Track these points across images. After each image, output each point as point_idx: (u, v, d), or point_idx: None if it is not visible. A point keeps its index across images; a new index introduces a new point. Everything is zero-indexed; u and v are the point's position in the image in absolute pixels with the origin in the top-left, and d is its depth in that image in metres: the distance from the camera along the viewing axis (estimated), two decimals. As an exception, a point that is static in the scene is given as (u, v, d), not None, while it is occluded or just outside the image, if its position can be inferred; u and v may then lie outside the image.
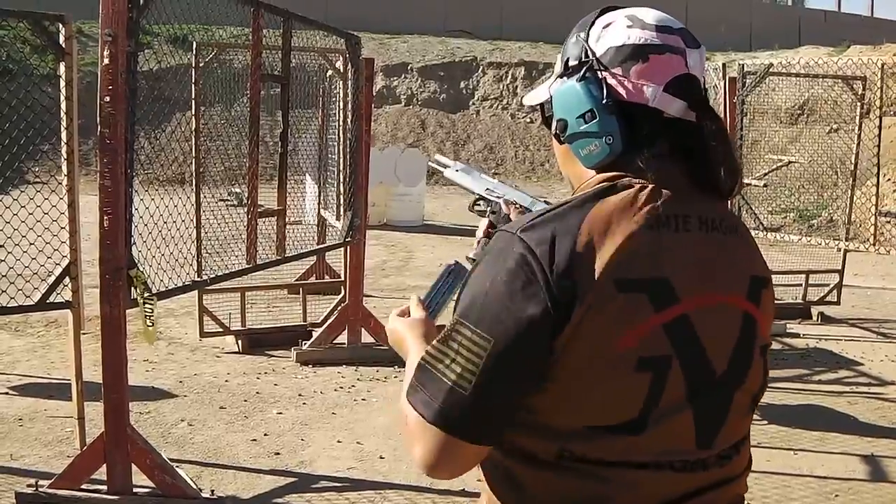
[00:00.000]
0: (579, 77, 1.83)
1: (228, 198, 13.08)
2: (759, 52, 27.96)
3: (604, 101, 1.79)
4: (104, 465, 4.97)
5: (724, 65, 9.84)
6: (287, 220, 6.88)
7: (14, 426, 6.46)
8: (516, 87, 28.69)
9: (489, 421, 1.70)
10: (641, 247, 1.69)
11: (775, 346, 9.24)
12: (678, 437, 1.72)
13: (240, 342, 8.66)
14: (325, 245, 9.35)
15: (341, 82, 8.78)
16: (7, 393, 7.23)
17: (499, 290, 1.68)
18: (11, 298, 5.70)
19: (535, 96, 2.04)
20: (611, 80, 1.81)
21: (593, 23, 1.89)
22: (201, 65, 8.43)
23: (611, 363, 1.66)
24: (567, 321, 1.64)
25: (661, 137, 1.80)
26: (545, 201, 2.26)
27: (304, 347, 8.35)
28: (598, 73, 1.82)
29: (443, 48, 29.98)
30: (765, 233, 9.64)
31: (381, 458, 5.98)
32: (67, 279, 5.74)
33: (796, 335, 9.77)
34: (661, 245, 1.72)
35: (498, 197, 2.37)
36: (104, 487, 4.98)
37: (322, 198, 10.15)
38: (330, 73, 9.53)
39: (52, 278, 5.71)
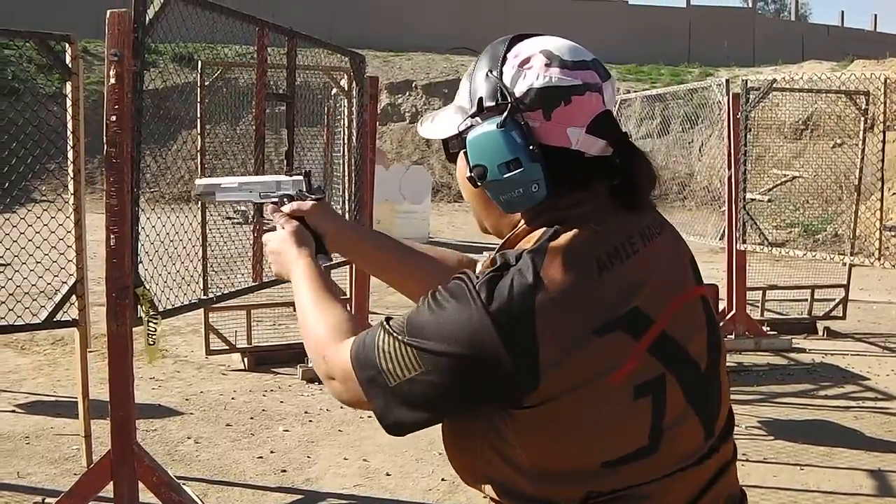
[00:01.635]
0: (500, 123, 1.76)
1: (234, 216, 13.11)
2: (762, 67, 28.02)
3: (529, 149, 1.74)
4: (111, 483, 4.97)
5: (727, 80, 9.87)
6: (293, 237, 6.87)
7: (21, 444, 6.47)
8: (520, 103, 28.78)
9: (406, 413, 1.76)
10: (604, 289, 1.70)
11: (781, 361, 9.25)
12: (690, 441, 1.78)
13: (246, 360, 8.67)
14: (331, 262, 9.36)
15: (346, 100, 8.81)
16: (14, 411, 7.25)
17: (456, 351, 1.67)
18: (18, 317, 5.71)
19: (436, 130, 1.96)
20: (533, 124, 1.76)
21: (504, 57, 1.81)
22: (206, 83, 8.48)
23: (608, 400, 1.67)
24: (536, 380, 1.63)
25: (583, 176, 1.79)
26: (299, 174, 2.37)
27: (310, 365, 8.35)
28: (519, 117, 1.76)
29: (447, 65, 30.03)
30: (770, 248, 9.64)
31: (388, 475, 5.98)
32: (74, 297, 5.75)
33: (802, 350, 9.76)
34: (621, 278, 1.72)
35: (264, 198, 2.36)
36: (111, 505, 5.00)
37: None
38: (335, 91, 9.57)
39: (59, 296, 5.72)
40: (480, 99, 1.81)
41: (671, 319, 1.76)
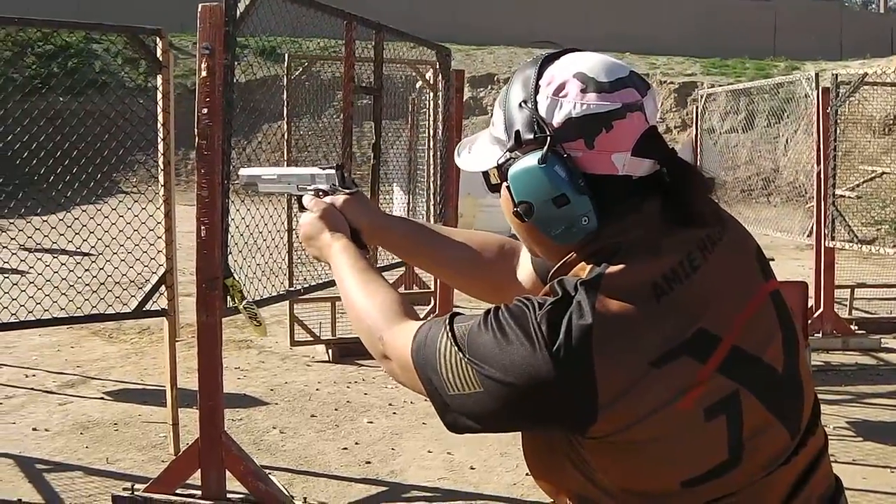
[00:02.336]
0: (541, 158, 1.68)
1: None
2: (850, 61, 27.50)
3: (574, 184, 1.67)
4: (198, 471, 5.04)
5: (816, 74, 9.71)
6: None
7: (110, 430, 6.58)
8: (603, 97, 28.58)
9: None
10: (663, 318, 1.63)
11: (870, 361, 9.09)
12: (775, 446, 1.71)
13: (330, 351, 8.72)
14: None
15: (431, 93, 8.82)
16: (102, 398, 7.37)
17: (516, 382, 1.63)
18: (109, 306, 5.81)
19: (474, 163, 1.89)
20: (575, 154, 1.68)
21: (537, 85, 1.73)
22: (292, 77, 8.53)
23: (679, 425, 1.62)
24: (595, 416, 1.59)
25: (634, 198, 1.71)
26: (331, 168, 2.34)
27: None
28: (560, 149, 1.68)
29: (529, 59, 29.92)
30: (859, 245, 9.46)
31: (472, 468, 5.97)
32: (163, 287, 5.83)
33: (892, 350, 9.55)
34: (682, 302, 1.65)
35: (301, 190, 2.35)
36: (198, 493, 5.04)
37: (411, 208, 10.19)
38: (419, 84, 9.58)
39: (149, 286, 5.81)
40: (517, 132, 1.73)
41: (742, 331, 1.69)
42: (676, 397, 1.60)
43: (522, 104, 1.73)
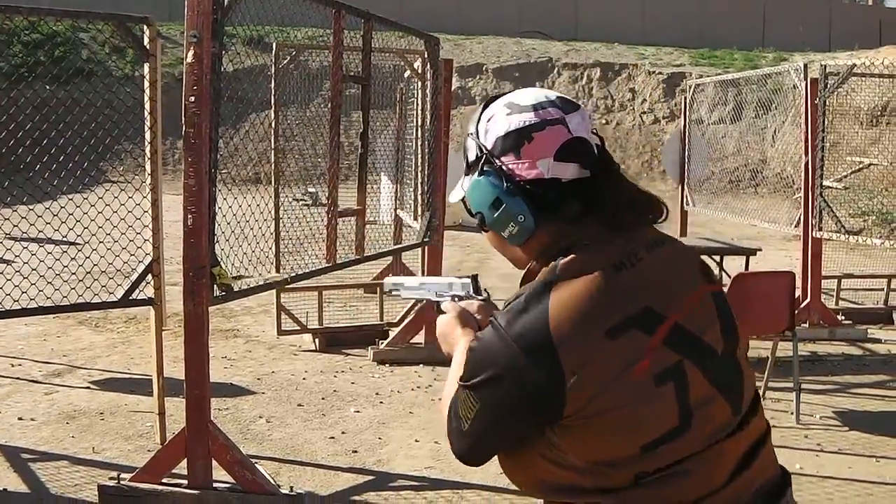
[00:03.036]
0: (479, 171, 2.09)
1: (303, 198, 13.15)
2: (838, 53, 27.54)
3: (505, 188, 2.04)
4: (185, 460, 5.03)
5: (805, 65, 9.71)
6: (364, 219, 6.91)
7: (96, 420, 6.56)
8: (592, 87, 28.54)
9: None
10: (613, 296, 1.94)
11: (857, 351, 9.12)
12: (719, 417, 1.99)
13: (317, 340, 8.72)
14: (404, 245, 9.36)
15: (419, 83, 8.80)
16: (88, 387, 7.36)
17: (497, 384, 1.96)
18: (95, 295, 5.80)
19: (455, 194, 2.23)
20: (510, 166, 2.04)
21: (479, 119, 2.13)
22: (280, 66, 8.51)
23: (634, 392, 1.90)
24: (564, 393, 1.89)
25: (568, 199, 2.03)
26: (467, 277, 2.58)
27: (382, 346, 8.39)
28: (494, 163, 2.06)
29: (518, 49, 29.90)
30: (847, 236, 9.47)
31: (459, 457, 5.97)
32: (150, 276, 5.82)
33: (878, 340, 9.58)
34: (629, 284, 1.96)
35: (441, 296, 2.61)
36: (185, 482, 5.03)
37: (398, 197, 10.18)
38: (408, 73, 9.56)
39: (135, 275, 5.79)
40: (467, 159, 2.15)
41: (684, 314, 1.99)
42: (630, 366, 1.90)
43: (469, 136, 2.14)
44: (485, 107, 2.15)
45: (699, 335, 1.99)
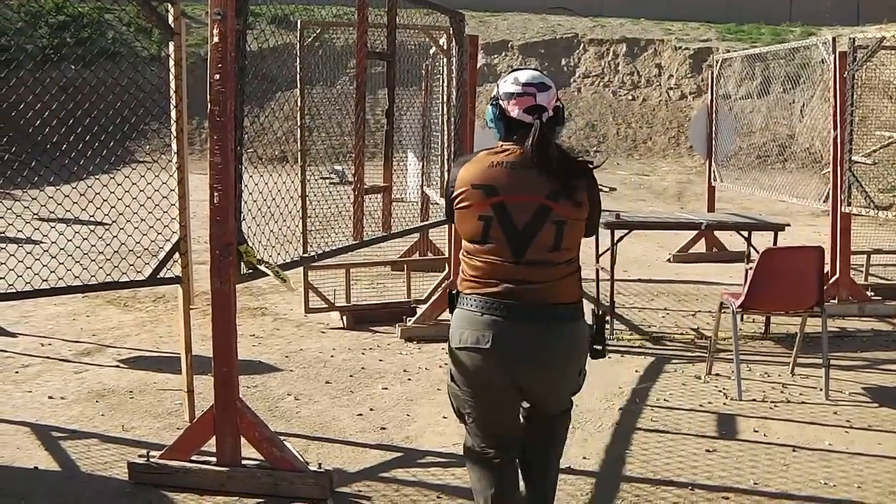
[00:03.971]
0: (492, 105, 4.10)
1: (330, 175, 13.14)
2: (867, 26, 27.25)
3: (497, 114, 4.07)
4: (213, 438, 5.06)
5: (833, 39, 9.61)
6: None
7: (125, 398, 6.60)
8: (618, 63, 28.37)
9: None
10: (486, 172, 3.93)
11: (886, 327, 9.06)
12: (501, 251, 3.91)
13: (345, 318, 8.73)
14: (431, 222, 9.34)
15: (444, 60, 8.77)
16: (118, 366, 7.40)
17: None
18: (123, 273, 5.83)
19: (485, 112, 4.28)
20: (503, 105, 4.04)
21: (504, 78, 4.12)
22: (304, 44, 8.49)
23: (470, 215, 3.96)
24: (453, 195, 4.05)
25: (520, 130, 3.98)
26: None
27: (409, 324, 8.39)
28: (497, 102, 4.07)
29: (543, 25, 29.74)
30: (876, 211, 9.38)
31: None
32: (177, 255, 5.83)
33: (907, 316, 9.52)
34: (494, 173, 3.92)
35: None
36: (213, 459, 5.07)
37: (425, 175, 10.17)
38: (433, 50, 9.53)
39: (162, 254, 5.81)
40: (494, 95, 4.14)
41: (509, 201, 3.89)
42: (473, 203, 3.93)
43: (496, 88, 4.13)
44: (508, 73, 4.16)
45: (511, 214, 3.89)
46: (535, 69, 4.09)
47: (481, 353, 3.84)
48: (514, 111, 3.93)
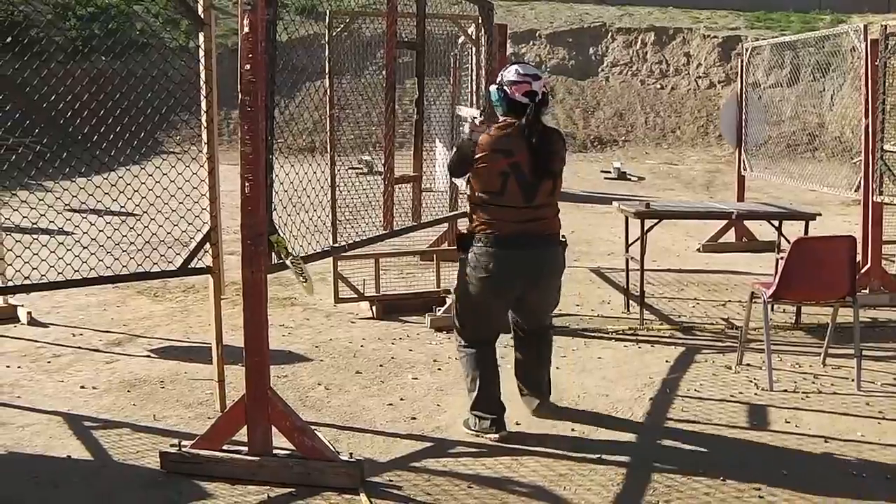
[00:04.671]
0: (497, 88, 5.68)
1: (358, 166, 13.13)
2: (898, 14, 27.03)
3: (501, 96, 5.66)
4: (245, 427, 5.08)
5: (865, 26, 9.53)
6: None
7: (156, 388, 6.63)
8: (646, 52, 28.27)
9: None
10: (502, 140, 5.56)
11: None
12: (516, 197, 5.59)
13: (374, 308, 8.74)
14: (461, 211, 9.32)
15: (473, 49, 8.76)
16: (149, 356, 7.44)
17: None
18: (154, 264, 5.85)
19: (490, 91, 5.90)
20: (505, 89, 5.63)
21: (507, 68, 5.69)
22: (333, 34, 8.48)
23: (491, 172, 5.56)
24: (476, 157, 5.60)
25: (519, 110, 5.58)
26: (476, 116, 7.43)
27: (439, 314, 8.39)
28: (504, 86, 5.64)
29: (571, 14, 29.67)
30: (909, 200, 9.30)
31: (517, 423, 5.97)
32: (207, 245, 5.85)
33: (939, 305, 9.43)
34: (509, 142, 5.55)
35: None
36: (245, 449, 5.09)
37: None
38: (462, 39, 9.51)
39: (193, 244, 5.83)
40: (499, 79, 5.77)
41: (525, 159, 5.54)
42: (494, 161, 5.55)
43: (500, 76, 5.75)
44: (508, 66, 5.64)
45: (524, 169, 5.52)
46: (529, 63, 5.78)
47: (503, 275, 5.62)
48: (515, 95, 5.60)
